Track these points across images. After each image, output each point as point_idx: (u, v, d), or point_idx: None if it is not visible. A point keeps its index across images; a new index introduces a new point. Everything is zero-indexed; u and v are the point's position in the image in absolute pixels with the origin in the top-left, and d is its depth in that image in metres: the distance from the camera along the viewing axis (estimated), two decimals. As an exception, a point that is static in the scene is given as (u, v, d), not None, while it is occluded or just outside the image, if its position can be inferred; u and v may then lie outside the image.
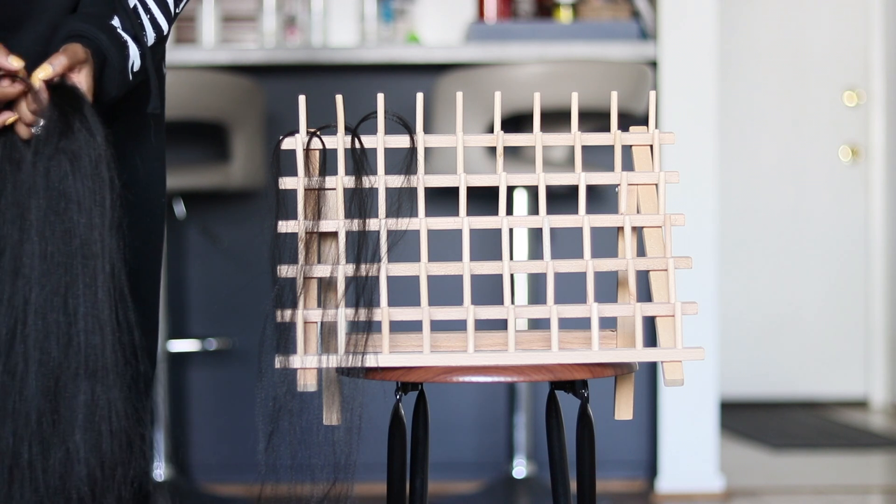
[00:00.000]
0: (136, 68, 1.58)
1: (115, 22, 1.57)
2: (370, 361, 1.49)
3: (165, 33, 1.63)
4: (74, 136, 1.45)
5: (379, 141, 1.60)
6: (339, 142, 1.59)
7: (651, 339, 1.55)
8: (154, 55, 1.63)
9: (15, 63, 1.46)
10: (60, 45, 1.53)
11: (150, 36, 1.61)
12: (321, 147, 1.59)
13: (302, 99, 1.60)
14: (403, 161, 1.59)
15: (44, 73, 1.47)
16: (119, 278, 1.46)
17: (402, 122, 1.59)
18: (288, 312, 1.50)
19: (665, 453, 3.50)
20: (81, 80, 1.50)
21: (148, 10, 1.61)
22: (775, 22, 5.64)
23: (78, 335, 1.42)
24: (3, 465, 1.39)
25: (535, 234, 3.33)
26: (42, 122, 1.46)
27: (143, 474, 1.45)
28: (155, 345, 1.84)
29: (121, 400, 1.43)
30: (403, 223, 1.55)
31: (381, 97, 1.61)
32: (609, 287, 1.73)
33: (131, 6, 1.59)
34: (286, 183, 1.57)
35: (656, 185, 1.61)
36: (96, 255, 1.44)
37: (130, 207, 1.55)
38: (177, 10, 1.66)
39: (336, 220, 1.56)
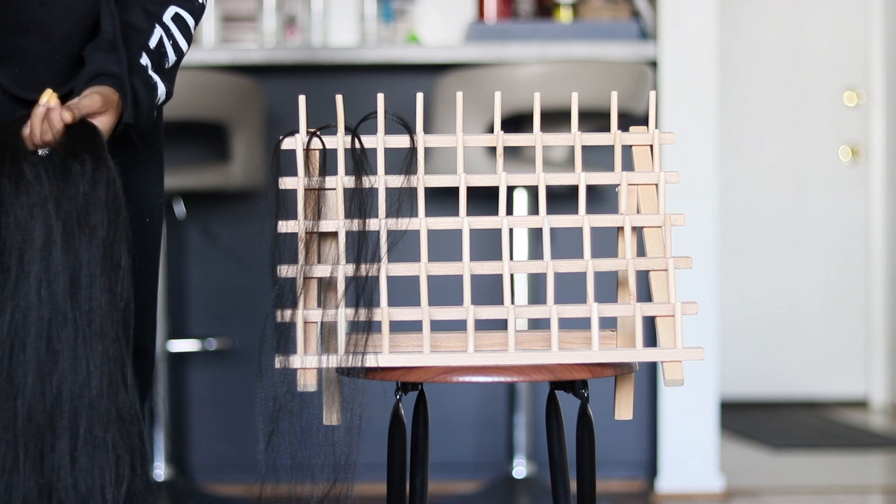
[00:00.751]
0: (161, 101, 1.62)
1: (144, 60, 1.60)
2: (370, 361, 1.49)
3: (185, 52, 1.66)
4: (83, 173, 1.49)
5: (379, 141, 1.60)
6: (339, 142, 1.59)
7: (651, 339, 1.55)
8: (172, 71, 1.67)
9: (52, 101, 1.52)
10: (89, 81, 1.56)
11: (172, 59, 1.65)
12: (321, 147, 1.59)
13: (302, 99, 1.60)
14: (403, 161, 1.60)
15: (68, 115, 1.51)
16: (126, 299, 1.48)
17: (402, 123, 1.59)
18: (288, 312, 1.50)
19: (665, 453, 3.50)
20: (102, 121, 1.56)
21: (171, 36, 1.64)
22: (775, 22, 5.64)
23: (77, 363, 1.44)
24: None
25: (535, 234, 3.33)
26: (48, 149, 1.50)
27: (141, 490, 1.47)
28: (153, 344, 1.85)
29: (115, 423, 1.44)
30: (403, 223, 1.55)
31: (381, 97, 1.61)
32: (609, 287, 1.73)
33: (157, 37, 1.62)
34: (286, 183, 1.57)
35: (656, 185, 1.61)
36: (100, 285, 1.47)
37: (130, 209, 1.56)
38: (194, 28, 1.69)
39: (336, 220, 1.56)
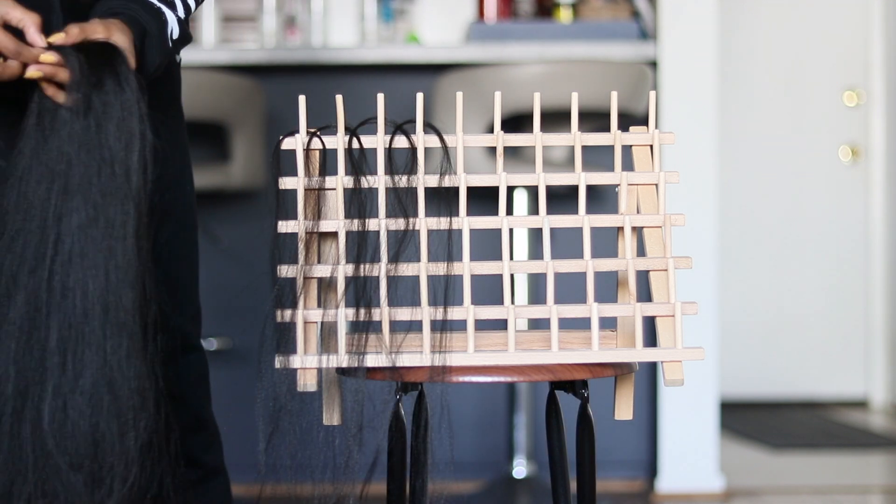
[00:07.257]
0: (175, 35, 1.60)
1: None
2: (370, 361, 1.49)
3: (193, 10, 1.65)
4: (104, 90, 1.45)
5: (379, 141, 1.60)
6: (339, 142, 1.59)
7: (651, 339, 1.55)
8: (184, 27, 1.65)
9: (39, 41, 1.47)
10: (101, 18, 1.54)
11: (181, 9, 1.62)
12: (321, 147, 1.59)
13: (302, 99, 1.60)
14: (404, 161, 1.59)
15: (56, 38, 1.47)
16: (146, 235, 1.46)
17: (400, 130, 1.59)
18: (288, 312, 1.50)
19: (665, 453, 3.50)
20: (117, 40, 1.50)
21: None
22: (775, 22, 5.64)
23: (104, 288, 1.42)
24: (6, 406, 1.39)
25: (535, 234, 3.33)
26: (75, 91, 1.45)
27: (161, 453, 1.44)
28: (198, 329, 1.86)
29: (137, 362, 1.42)
30: (403, 223, 1.55)
31: (381, 97, 1.61)
32: (609, 287, 1.73)
33: None
34: (286, 183, 1.57)
35: (656, 185, 1.61)
36: (126, 212, 1.44)
37: (164, 197, 1.56)
38: None
39: (336, 220, 1.56)
